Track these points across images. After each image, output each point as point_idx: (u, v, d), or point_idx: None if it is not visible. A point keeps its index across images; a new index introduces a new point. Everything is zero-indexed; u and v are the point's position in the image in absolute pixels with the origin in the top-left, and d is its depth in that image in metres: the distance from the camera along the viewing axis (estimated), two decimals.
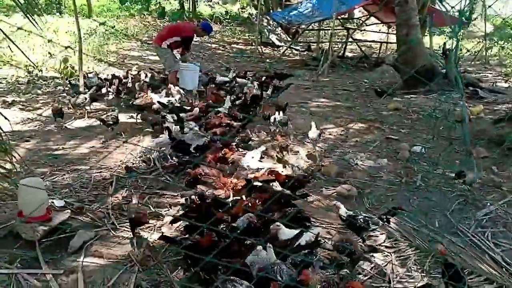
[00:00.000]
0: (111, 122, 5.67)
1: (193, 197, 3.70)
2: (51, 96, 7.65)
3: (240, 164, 4.60)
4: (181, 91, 7.39)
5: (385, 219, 3.39)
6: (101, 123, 5.74)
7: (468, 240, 3.59)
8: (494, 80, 10.45)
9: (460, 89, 5.73)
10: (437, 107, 7.20)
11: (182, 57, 8.53)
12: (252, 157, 4.63)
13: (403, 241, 3.52)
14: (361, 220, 3.30)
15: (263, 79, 8.49)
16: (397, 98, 8.53)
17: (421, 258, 3.33)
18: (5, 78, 8.52)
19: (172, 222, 3.48)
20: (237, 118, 6.04)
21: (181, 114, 5.94)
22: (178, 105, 6.58)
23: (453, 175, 4.65)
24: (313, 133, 5.47)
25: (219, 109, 6.30)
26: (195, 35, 8.36)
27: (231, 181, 4.11)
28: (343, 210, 3.38)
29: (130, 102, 6.59)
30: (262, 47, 14.20)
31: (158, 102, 6.41)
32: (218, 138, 5.18)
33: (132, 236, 3.32)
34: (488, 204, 4.23)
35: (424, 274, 3.12)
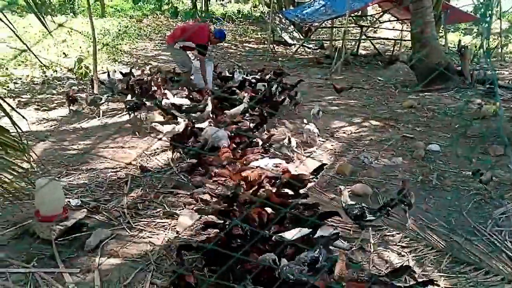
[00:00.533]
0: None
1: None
2: (66, 96, 7.72)
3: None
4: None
5: (385, 211, 3.48)
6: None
7: (485, 239, 3.54)
8: (511, 77, 10.27)
9: (496, 90, 5.66)
10: (453, 105, 7.12)
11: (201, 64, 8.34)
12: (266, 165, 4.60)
13: (419, 241, 3.48)
14: (357, 209, 3.48)
15: (267, 77, 8.56)
16: (412, 96, 8.44)
17: (438, 257, 3.28)
18: (20, 79, 8.63)
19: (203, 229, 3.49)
20: (263, 116, 6.00)
21: (192, 115, 6.00)
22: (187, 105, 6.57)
23: (470, 173, 4.59)
24: (314, 110, 6.09)
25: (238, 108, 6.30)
26: (209, 43, 8.24)
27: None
28: (345, 198, 3.60)
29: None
30: (274, 45, 14.16)
31: (172, 103, 6.45)
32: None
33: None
34: (505, 202, 4.16)
35: (441, 274, 3.08)
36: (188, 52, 8.34)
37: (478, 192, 4.37)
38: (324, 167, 4.32)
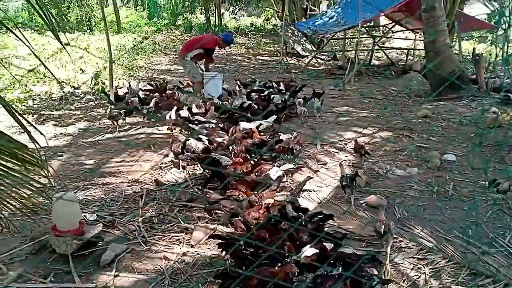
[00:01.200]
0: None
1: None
2: (83, 111, 7.88)
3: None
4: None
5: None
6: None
7: (503, 251, 3.48)
8: None
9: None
10: (468, 114, 7.04)
11: (206, 67, 8.90)
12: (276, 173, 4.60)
13: (436, 253, 3.44)
14: (348, 179, 4.20)
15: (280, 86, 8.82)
16: (426, 105, 8.38)
17: (455, 269, 3.23)
18: (39, 95, 8.83)
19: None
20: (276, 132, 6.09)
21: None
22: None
23: (487, 183, 4.52)
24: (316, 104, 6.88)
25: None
26: (217, 46, 8.70)
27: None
28: (344, 171, 4.31)
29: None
30: (287, 57, 14.22)
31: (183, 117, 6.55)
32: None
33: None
34: None
35: (459, 287, 3.03)
36: (199, 63, 8.70)
37: (496, 203, 4.30)
38: (309, 180, 4.57)
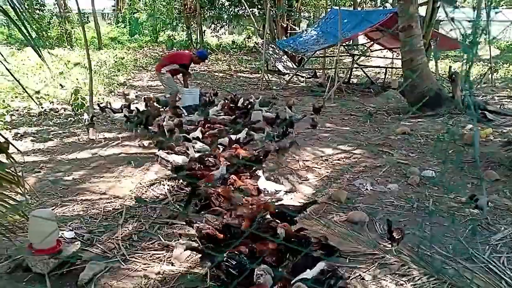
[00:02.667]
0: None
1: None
2: (61, 127, 7.77)
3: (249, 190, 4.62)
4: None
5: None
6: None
7: (483, 266, 3.52)
8: (501, 103, 10.42)
9: (472, 112, 5.76)
10: (445, 131, 7.19)
11: (184, 83, 9.50)
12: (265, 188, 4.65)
13: (417, 268, 3.45)
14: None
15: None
16: (405, 122, 8.53)
17: (436, 285, 3.25)
18: (17, 110, 8.68)
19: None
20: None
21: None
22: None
23: (465, 199, 4.60)
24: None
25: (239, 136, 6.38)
26: (192, 62, 9.26)
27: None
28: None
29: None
30: (268, 75, 14.36)
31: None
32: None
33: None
34: (502, 228, 4.16)
35: None
36: (174, 78, 9.16)
37: (474, 218, 4.37)
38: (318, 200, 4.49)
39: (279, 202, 4.49)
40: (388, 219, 3.69)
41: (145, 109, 8.10)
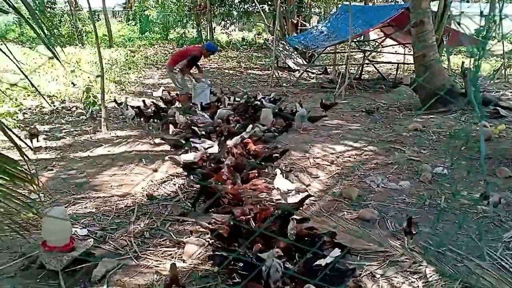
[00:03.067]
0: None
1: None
2: (74, 125, 7.85)
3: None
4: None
5: None
6: None
7: (496, 263, 3.49)
8: None
9: (476, 108, 5.68)
10: (458, 127, 7.12)
11: (196, 79, 9.34)
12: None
13: (429, 266, 3.43)
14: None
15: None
16: (417, 119, 8.46)
17: (448, 283, 3.23)
18: (30, 109, 8.79)
19: None
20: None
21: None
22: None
23: (478, 196, 4.56)
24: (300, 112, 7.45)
25: (243, 134, 6.29)
26: (202, 55, 9.28)
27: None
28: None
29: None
30: (278, 71, 14.33)
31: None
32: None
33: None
34: None
35: None
36: (185, 76, 9.29)
37: (487, 215, 4.33)
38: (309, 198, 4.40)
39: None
40: (409, 216, 3.67)
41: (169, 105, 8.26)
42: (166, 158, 5.62)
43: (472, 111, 8.62)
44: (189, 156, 5.46)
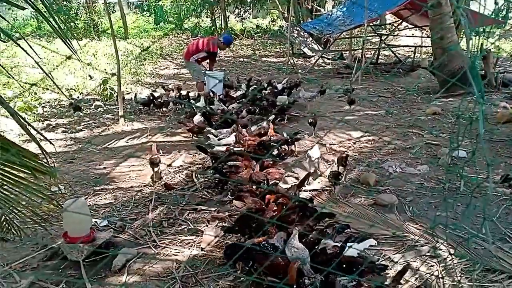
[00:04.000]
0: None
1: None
2: (92, 117, 7.96)
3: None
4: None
5: None
6: None
7: None
8: None
9: (479, 85, 5.56)
10: (476, 110, 6.95)
11: (210, 67, 9.69)
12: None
13: (448, 250, 3.39)
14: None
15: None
16: (435, 102, 8.31)
17: (468, 266, 3.19)
18: (49, 102, 8.94)
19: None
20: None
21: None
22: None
23: (498, 179, 4.47)
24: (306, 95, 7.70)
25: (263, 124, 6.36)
26: (219, 49, 9.46)
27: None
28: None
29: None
30: (293, 58, 14.23)
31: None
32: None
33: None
34: None
35: (473, 283, 3.00)
36: (203, 63, 9.57)
37: (508, 198, 4.25)
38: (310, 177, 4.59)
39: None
40: None
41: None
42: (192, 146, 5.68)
43: (492, 93, 8.45)
44: (221, 147, 5.49)
